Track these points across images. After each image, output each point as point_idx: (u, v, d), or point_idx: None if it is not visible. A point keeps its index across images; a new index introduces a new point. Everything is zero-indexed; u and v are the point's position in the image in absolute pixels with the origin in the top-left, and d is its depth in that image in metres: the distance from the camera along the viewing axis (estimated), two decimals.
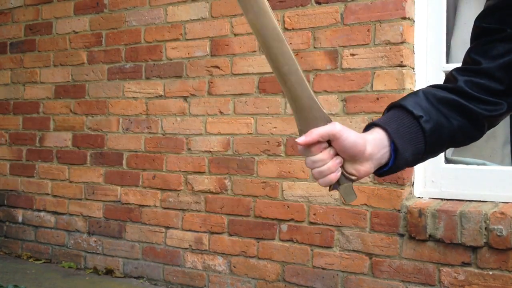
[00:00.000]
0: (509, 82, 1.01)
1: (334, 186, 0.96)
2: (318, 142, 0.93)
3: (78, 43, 3.32)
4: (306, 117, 0.94)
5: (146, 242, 3.01)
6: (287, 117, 2.58)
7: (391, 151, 0.96)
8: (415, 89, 2.34)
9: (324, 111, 0.94)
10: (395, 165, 0.97)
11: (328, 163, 0.93)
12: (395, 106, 1.00)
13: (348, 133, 0.93)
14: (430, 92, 1.01)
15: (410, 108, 0.97)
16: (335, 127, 0.92)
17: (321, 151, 0.93)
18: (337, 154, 0.94)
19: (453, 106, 1.00)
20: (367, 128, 0.99)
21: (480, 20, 1.05)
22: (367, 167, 0.95)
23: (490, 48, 1.02)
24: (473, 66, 1.03)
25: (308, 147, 0.94)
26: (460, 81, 1.01)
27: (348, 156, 0.94)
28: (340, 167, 0.95)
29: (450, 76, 1.04)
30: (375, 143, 0.95)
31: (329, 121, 0.94)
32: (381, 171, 0.99)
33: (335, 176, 0.94)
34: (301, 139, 0.93)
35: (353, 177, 0.96)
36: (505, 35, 1.00)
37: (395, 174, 2.29)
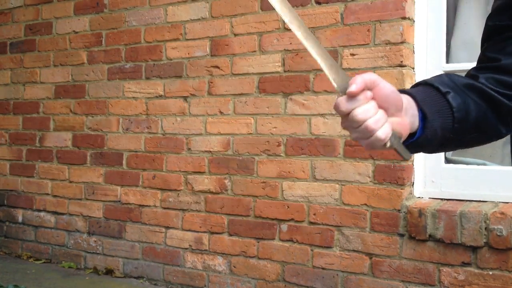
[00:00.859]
0: None
1: (390, 140, 0.87)
2: (363, 90, 0.83)
3: (78, 43, 3.32)
4: (338, 69, 0.86)
5: (146, 242, 3.01)
6: (287, 117, 2.58)
7: (419, 120, 0.91)
8: None
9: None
10: (424, 135, 0.92)
11: (378, 113, 0.84)
12: (419, 84, 0.97)
13: (385, 83, 0.86)
14: (454, 76, 0.99)
15: (436, 84, 0.95)
16: (372, 75, 0.85)
17: (367, 102, 0.83)
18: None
19: (478, 92, 0.97)
20: None
21: (492, 19, 1.05)
22: (406, 121, 0.89)
23: (507, 45, 1.01)
24: (491, 63, 1.02)
25: (355, 97, 0.83)
26: (481, 78, 0.99)
27: (388, 105, 0.86)
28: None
29: (469, 75, 1.02)
30: (409, 105, 0.90)
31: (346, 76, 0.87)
32: (411, 141, 0.93)
33: (388, 127, 0.85)
34: (353, 87, 0.82)
35: (399, 134, 0.90)
36: None
37: (395, 174, 2.29)
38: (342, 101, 0.84)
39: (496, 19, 1.04)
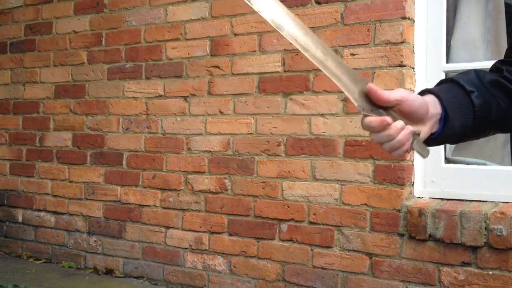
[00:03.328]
0: None
1: (411, 145, 0.95)
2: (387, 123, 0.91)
3: (78, 43, 3.32)
4: (361, 94, 0.92)
5: (146, 242, 3.01)
6: (287, 117, 2.58)
7: (442, 118, 0.97)
8: (415, 89, 2.35)
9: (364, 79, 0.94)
10: (443, 133, 0.98)
11: (398, 137, 0.92)
12: (446, 81, 1.02)
13: (413, 96, 0.93)
14: (481, 73, 1.03)
15: (462, 82, 1.00)
16: (400, 92, 0.92)
17: (388, 125, 0.91)
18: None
19: (502, 89, 1.02)
20: (421, 94, 1.00)
21: None
22: (428, 127, 0.96)
23: None
24: None
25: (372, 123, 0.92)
26: (505, 71, 1.04)
27: (414, 117, 0.94)
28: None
29: (494, 68, 1.07)
30: (433, 105, 0.97)
31: (367, 81, 0.92)
32: (429, 138, 0.99)
33: (407, 146, 0.93)
34: (376, 123, 0.90)
35: (420, 134, 0.97)
36: None
37: (395, 174, 2.29)
38: (369, 126, 0.92)
39: None
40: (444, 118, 0.97)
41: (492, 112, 1.01)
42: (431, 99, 0.97)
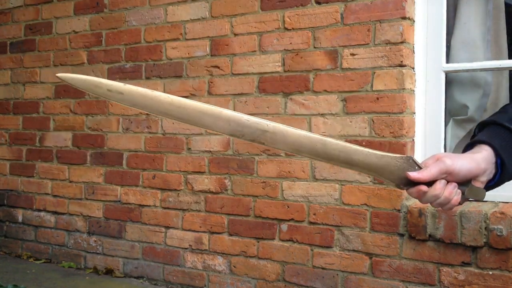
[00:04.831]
0: None
1: (462, 199, 0.98)
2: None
3: (78, 43, 3.32)
4: (391, 171, 0.96)
5: (146, 242, 3.01)
6: (287, 117, 2.58)
7: (498, 166, 0.98)
8: (415, 89, 2.35)
9: (396, 155, 0.96)
10: (501, 179, 1.00)
11: (444, 194, 0.94)
12: (488, 123, 1.03)
13: (459, 163, 0.94)
14: None
15: (507, 124, 1.00)
16: (444, 164, 0.94)
17: (426, 192, 0.95)
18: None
19: None
20: (471, 145, 1.01)
21: None
22: (485, 177, 0.98)
23: None
24: None
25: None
26: None
27: (466, 178, 0.96)
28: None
29: None
30: (487, 161, 0.97)
31: (410, 159, 0.95)
32: (488, 185, 1.01)
33: (456, 200, 0.95)
34: (411, 191, 0.95)
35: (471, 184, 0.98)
36: None
37: None
38: (411, 195, 0.96)
39: None
40: (501, 166, 0.98)
41: None
42: (484, 155, 0.97)
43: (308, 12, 2.53)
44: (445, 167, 0.93)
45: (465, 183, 0.96)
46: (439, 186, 0.93)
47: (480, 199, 1.00)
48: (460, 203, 0.97)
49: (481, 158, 0.96)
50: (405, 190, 0.97)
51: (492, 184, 1.01)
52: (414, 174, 0.93)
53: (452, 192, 0.94)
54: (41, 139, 3.47)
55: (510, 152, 0.98)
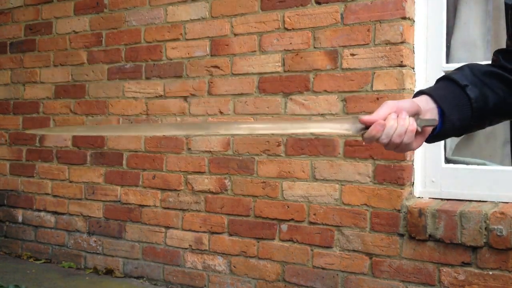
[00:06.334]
0: None
1: (419, 128, 1.02)
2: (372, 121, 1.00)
3: (78, 43, 3.32)
4: (347, 128, 1.04)
5: (146, 242, 3.01)
6: (287, 117, 2.58)
7: (439, 116, 1.03)
8: (415, 89, 2.35)
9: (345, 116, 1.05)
10: (444, 129, 1.04)
11: (400, 122, 0.99)
12: (442, 79, 1.08)
13: (400, 102, 1.01)
14: (475, 66, 1.08)
15: (456, 78, 1.05)
16: (387, 104, 1.00)
17: (383, 124, 1.00)
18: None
19: (497, 78, 1.06)
20: (415, 96, 1.07)
21: None
22: (428, 116, 1.03)
23: None
24: None
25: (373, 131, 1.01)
26: (501, 59, 1.09)
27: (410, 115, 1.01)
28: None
29: (493, 57, 1.12)
30: (424, 104, 1.03)
31: (356, 116, 1.02)
32: (431, 136, 1.05)
33: (412, 126, 1.00)
34: (371, 128, 1.00)
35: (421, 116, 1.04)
36: None
37: (395, 174, 2.29)
38: (370, 135, 1.01)
39: None
40: (441, 115, 1.03)
41: (489, 102, 1.05)
42: (421, 99, 1.04)
43: (308, 12, 2.53)
44: (390, 105, 0.99)
45: (414, 117, 1.02)
46: (392, 117, 0.99)
47: (433, 124, 1.04)
48: (418, 131, 1.01)
49: (418, 101, 1.03)
50: (365, 139, 1.02)
51: (436, 133, 1.05)
52: (366, 117, 0.99)
53: (405, 119, 0.99)
54: (41, 139, 3.47)
55: (452, 103, 1.03)
